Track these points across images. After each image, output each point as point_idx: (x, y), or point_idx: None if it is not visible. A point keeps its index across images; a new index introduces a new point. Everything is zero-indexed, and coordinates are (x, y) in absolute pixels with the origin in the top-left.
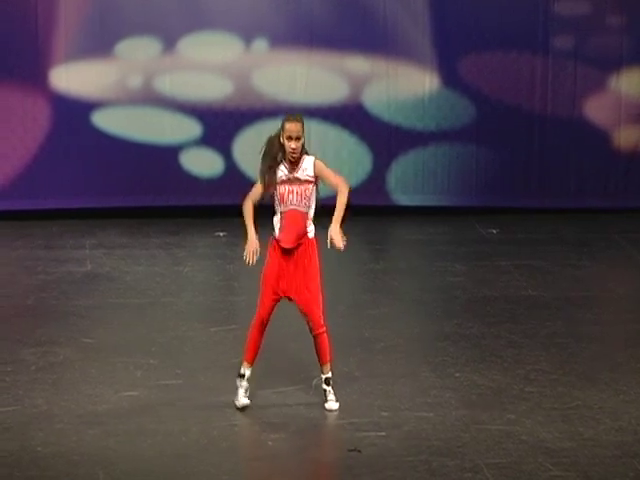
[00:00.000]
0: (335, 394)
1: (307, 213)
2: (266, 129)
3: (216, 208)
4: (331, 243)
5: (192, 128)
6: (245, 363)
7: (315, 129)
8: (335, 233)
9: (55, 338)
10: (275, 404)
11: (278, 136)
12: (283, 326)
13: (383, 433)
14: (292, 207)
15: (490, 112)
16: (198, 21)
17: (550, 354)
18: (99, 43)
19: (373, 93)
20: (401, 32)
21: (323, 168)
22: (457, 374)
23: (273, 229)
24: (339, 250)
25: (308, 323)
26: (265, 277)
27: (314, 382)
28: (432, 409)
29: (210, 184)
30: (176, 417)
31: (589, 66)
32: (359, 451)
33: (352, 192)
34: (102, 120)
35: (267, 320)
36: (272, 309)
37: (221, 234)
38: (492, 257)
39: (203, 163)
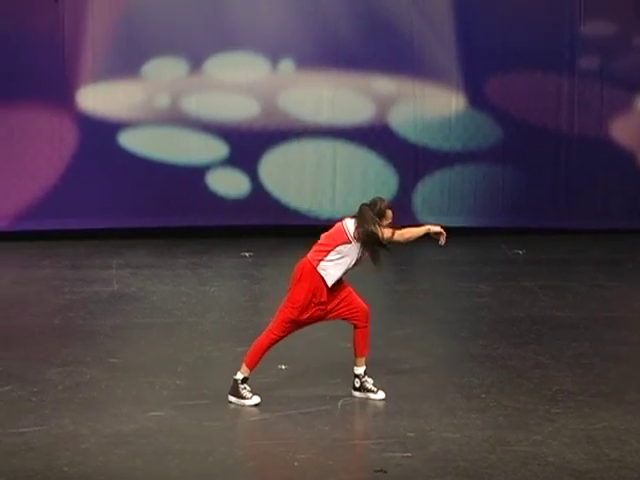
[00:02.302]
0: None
1: None
2: (292, 150)
3: (242, 228)
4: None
5: (218, 148)
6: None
7: (341, 150)
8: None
9: (81, 358)
10: (301, 424)
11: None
12: (310, 347)
13: (409, 454)
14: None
15: (516, 132)
16: (225, 42)
17: (576, 375)
18: (126, 64)
19: (399, 114)
20: (427, 53)
21: None
22: (483, 395)
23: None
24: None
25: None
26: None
27: (340, 403)
28: (458, 430)
29: (236, 204)
30: (202, 437)
31: (615, 87)
32: (385, 472)
33: None
34: (129, 140)
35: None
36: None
37: (247, 254)
38: (518, 278)
39: (229, 183)
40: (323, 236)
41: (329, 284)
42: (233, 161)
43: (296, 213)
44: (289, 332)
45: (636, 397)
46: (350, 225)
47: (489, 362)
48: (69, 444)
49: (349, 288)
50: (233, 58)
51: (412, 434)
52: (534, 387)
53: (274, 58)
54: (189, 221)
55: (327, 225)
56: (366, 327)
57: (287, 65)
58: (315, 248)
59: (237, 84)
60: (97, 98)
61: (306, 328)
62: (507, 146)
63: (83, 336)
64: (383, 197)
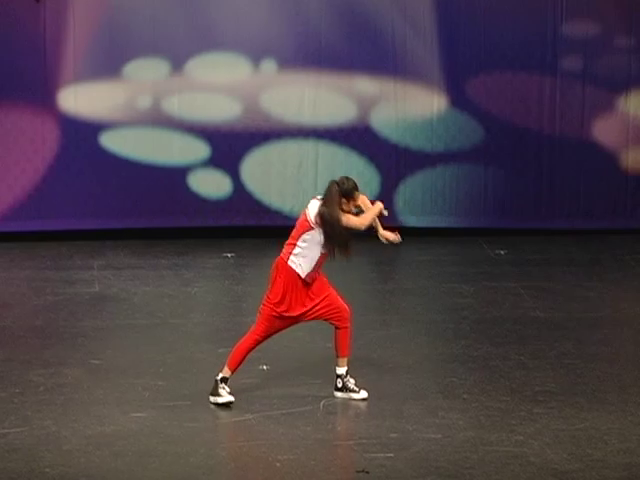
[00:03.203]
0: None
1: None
2: (274, 150)
3: (224, 229)
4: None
5: (200, 149)
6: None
7: (323, 150)
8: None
9: (63, 359)
10: (283, 425)
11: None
12: (293, 347)
13: (391, 454)
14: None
15: (498, 133)
16: (206, 42)
17: (559, 375)
18: (107, 64)
19: (381, 114)
20: (409, 53)
21: None
22: (465, 395)
23: (296, 268)
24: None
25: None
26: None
27: (322, 403)
28: (440, 430)
29: (218, 205)
30: (184, 438)
31: (597, 87)
32: (367, 472)
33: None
34: (110, 141)
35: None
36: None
37: (229, 255)
38: (500, 278)
39: (211, 184)
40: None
41: (302, 275)
42: (215, 162)
43: (278, 214)
44: (271, 332)
45: (618, 397)
46: (313, 207)
47: (471, 362)
48: (51, 445)
49: (330, 288)
50: (215, 58)
51: (394, 434)
52: (516, 387)
53: (256, 58)
54: (171, 222)
55: None
56: (347, 327)
57: (269, 65)
58: (286, 243)
59: (219, 85)
60: (79, 99)
61: (287, 328)
62: (489, 146)
63: (65, 337)
64: (351, 177)
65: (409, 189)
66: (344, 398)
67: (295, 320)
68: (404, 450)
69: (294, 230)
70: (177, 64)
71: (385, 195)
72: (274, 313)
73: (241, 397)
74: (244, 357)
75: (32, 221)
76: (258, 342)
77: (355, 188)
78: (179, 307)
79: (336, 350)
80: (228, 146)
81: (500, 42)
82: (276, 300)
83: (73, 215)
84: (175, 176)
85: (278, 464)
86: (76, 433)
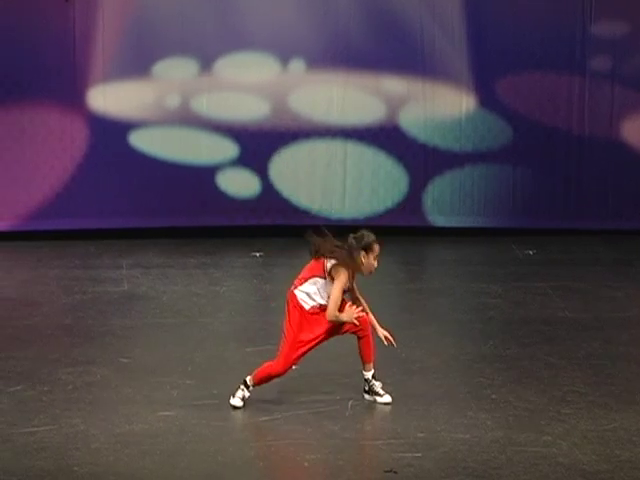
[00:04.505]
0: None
1: None
2: (302, 150)
3: (252, 228)
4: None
5: (229, 148)
6: None
7: (352, 150)
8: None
9: (92, 358)
10: (311, 425)
11: (357, 249)
12: (321, 348)
13: (419, 454)
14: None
15: (527, 133)
16: (235, 41)
17: (587, 375)
18: (137, 63)
19: (410, 114)
20: (438, 53)
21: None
22: (493, 395)
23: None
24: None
25: None
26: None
27: (350, 403)
28: (468, 430)
29: (246, 204)
30: (212, 437)
31: (626, 87)
32: (395, 472)
33: (389, 213)
34: (139, 140)
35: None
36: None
37: (257, 254)
38: (529, 278)
39: (239, 184)
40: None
41: (306, 308)
42: (243, 161)
43: (306, 213)
44: (296, 360)
45: None
46: (330, 264)
47: (499, 362)
48: (79, 444)
49: (344, 304)
50: (243, 58)
51: (422, 434)
52: (544, 387)
53: (284, 58)
54: (199, 221)
55: (337, 225)
56: (368, 336)
57: (297, 65)
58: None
59: (247, 84)
60: (108, 98)
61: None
62: (518, 146)
63: (94, 336)
64: (371, 232)
65: (437, 189)
66: (371, 400)
67: (316, 341)
68: (432, 450)
69: (306, 268)
70: (206, 63)
71: (413, 195)
72: (297, 342)
73: (269, 396)
74: (268, 380)
75: (61, 220)
76: (286, 370)
77: (376, 241)
78: (207, 306)
79: (361, 358)
80: (256, 145)
81: (529, 42)
82: (290, 339)
83: (102, 214)
84: (204, 175)
85: (306, 463)
86: (105, 432)
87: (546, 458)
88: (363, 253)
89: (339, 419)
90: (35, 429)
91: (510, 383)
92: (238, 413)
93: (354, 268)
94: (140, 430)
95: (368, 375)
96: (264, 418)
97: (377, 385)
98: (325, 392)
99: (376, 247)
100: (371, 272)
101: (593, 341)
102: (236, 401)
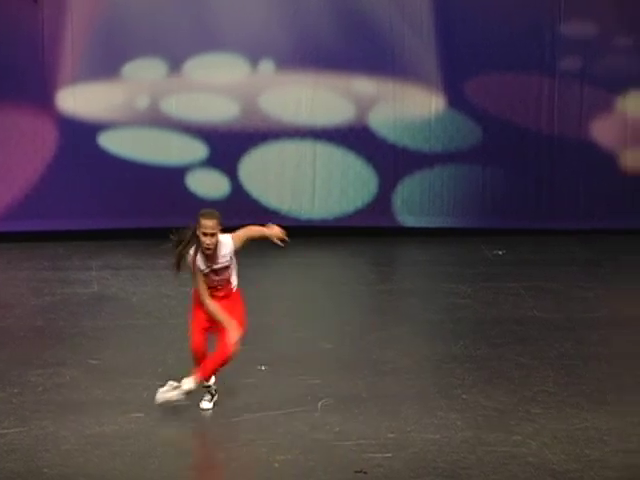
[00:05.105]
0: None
1: (230, 281)
2: (272, 151)
3: (222, 229)
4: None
5: (198, 149)
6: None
7: (321, 151)
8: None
9: (62, 359)
10: (281, 425)
11: (194, 228)
12: (292, 348)
13: (389, 454)
14: (216, 284)
15: (497, 133)
16: (205, 42)
17: (558, 375)
18: (106, 65)
19: (379, 114)
20: (407, 53)
21: (240, 237)
22: (464, 395)
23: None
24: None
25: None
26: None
27: (320, 403)
28: (438, 431)
29: (216, 205)
30: (183, 438)
31: (596, 87)
32: (365, 472)
33: (358, 213)
34: (109, 141)
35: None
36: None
37: None
38: (499, 278)
39: (209, 184)
40: None
41: None
42: (213, 162)
43: (276, 214)
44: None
45: (617, 398)
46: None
47: (470, 363)
48: (49, 445)
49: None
50: (213, 59)
51: (392, 435)
52: (515, 388)
53: (254, 59)
54: (169, 222)
55: (306, 226)
56: (221, 351)
57: (267, 66)
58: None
59: (217, 85)
60: (77, 99)
61: (286, 327)
62: (487, 147)
63: (63, 338)
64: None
65: (407, 189)
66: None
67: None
68: (402, 450)
69: None
70: (175, 64)
71: (382, 195)
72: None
73: (239, 397)
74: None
75: (30, 221)
76: None
77: (200, 215)
78: (178, 307)
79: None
80: (226, 146)
81: (499, 42)
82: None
83: (71, 215)
84: (173, 176)
85: (276, 464)
86: (75, 433)
87: (516, 458)
88: (198, 229)
89: (309, 420)
90: (5, 431)
91: (481, 383)
92: (208, 414)
93: (200, 248)
94: (110, 431)
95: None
96: (234, 419)
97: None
98: (295, 392)
99: (202, 221)
100: (207, 247)
101: (565, 341)
102: (205, 404)
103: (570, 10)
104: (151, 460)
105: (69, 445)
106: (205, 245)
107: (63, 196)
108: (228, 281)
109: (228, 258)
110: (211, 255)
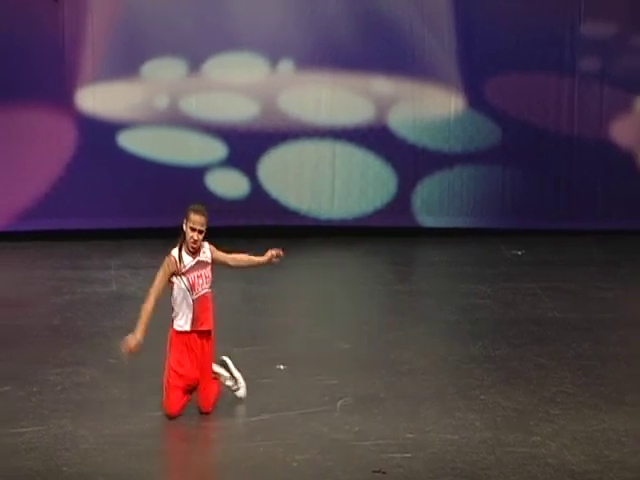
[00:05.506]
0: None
1: (211, 293)
2: (291, 150)
3: (241, 229)
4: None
5: (217, 149)
6: None
7: (340, 151)
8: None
9: (81, 358)
10: (300, 425)
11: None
12: (308, 347)
13: (408, 455)
14: (202, 292)
15: (516, 133)
16: (224, 42)
17: (576, 376)
18: (126, 64)
19: (399, 114)
20: (427, 53)
21: (215, 251)
22: (482, 396)
23: (175, 323)
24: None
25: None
26: (173, 372)
27: (339, 403)
28: (457, 431)
29: (235, 205)
30: (201, 437)
31: (615, 88)
32: (384, 472)
33: (378, 213)
34: (128, 141)
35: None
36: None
37: None
38: (518, 279)
39: (228, 184)
40: None
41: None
42: (232, 162)
43: (295, 214)
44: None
45: (636, 398)
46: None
47: (488, 363)
48: (68, 444)
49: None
50: (232, 59)
51: (411, 435)
52: (533, 388)
53: (273, 59)
54: None
55: (326, 226)
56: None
57: (286, 66)
58: None
59: (236, 85)
60: (96, 98)
61: (303, 327)
62: (507, 147)
63: (83, 337)
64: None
65: (426, 189)
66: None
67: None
68: (421, 451)
69: None
70: (195, 64)
71: (402, 195)
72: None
73: (258, 397)
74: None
75: (49, 220)
76: None
77: (191, 210)
78: None
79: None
80: (245, 146)
81: (518, 43)
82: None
83: (90, 215)
84: (192, 176)
85: (295, 464)
86: (93, 432)
87: (535, 459)
88: (185, 223)
89: (327, 420)
90: (24, 430)
91: (499, 384)
92: (226, 414)
93: (186, 243)
94: (128, 431)
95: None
96: (252, 419)
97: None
98: (313, 392)
99: (192, 216)
100: (193, 243)
101: (583, 342)
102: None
103: (590, 11)
104: (168, 459)
105: (88, 444)
106: (192, 240)
107: (82, 195)
108: (211, 296)
109: (208, 258)
110: (194, 252)
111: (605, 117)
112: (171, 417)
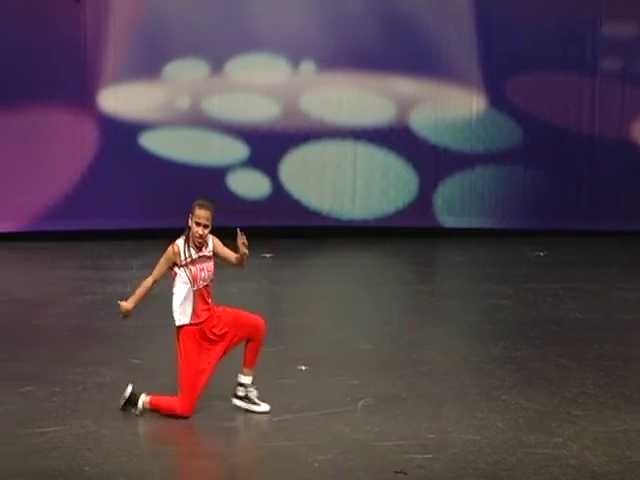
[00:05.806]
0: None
1: (211, 287)
2: (312, 151)
3: (263, 229)
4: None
5: (239, 150)
6: None
7: (362, 151)
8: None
9: (102, 359)
10: (321, 425)
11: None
12: (330, 348)
13: (430, 455)
14: (202, 285)
15: (538, 134)
16: (246, 43)
17: (598, 377)
18: (147, 65)
19: (420, 115)
20: (448, 54)
21: (219, 244)
22: (504, 397)
23: (176, 319)
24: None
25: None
26: (194, 371)
27: (360, 404)
28: (479, 432)
29: (257, 205)
30: (223, 438)
31: (637, 87)
32: (405, 473)
33: (399, 214)
34: (150, 141)
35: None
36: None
37: (267, 255)
38: (540, 279)
39: (250, 184)
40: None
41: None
42: (254, 162)
43: (317, 214)
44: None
45: None
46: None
47: (510, 364)
48: (90, 444)
49: (229, 309)
50: (254, 59)
51: (432, 435)
52: (555, 389)
53: (295, 59)
54: None
55: (347, 226)
56: (260, 340)
57: (308, 66)
58: None
59: (258, 85)
60: (118, 99)
61: (325, 327)
62: (528, 147)
63: (104, 337)
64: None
65: (448, 190)
66: (245, 408)
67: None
68: (442, 451)
69: None
70: (217, 65)
71: (424, 196)
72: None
73: (279, 397)
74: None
75: (71, 221)
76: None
77: (197, 205)
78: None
79: (245, 360)
80: (267, 147)
81: (539, 43)
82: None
83: (112, 215)
84: (214, 176)
85: (316, 464)
86: (115, 432)
87: (557, 460)
88: (191, 217)
89: (349, 420)
90: (46, 429)
91: (521, 384)
92: (248, 414)
93: (191, 237)
94: (151, 431)
95: (246, 380)
96: (274, 419)
97: (254, 393)
98: (335, 393)
99: (197, 210)
100: (199, 237)
101: (604, 342)
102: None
103: (611, 11)
104: (190, 459)
105: (110, 444)
106: (197, 235)
107: (104, 196)
108: (210, 289)
109: (210, 252)
110: (200, 246)
111: (627, 117)
112: (185, 418)
